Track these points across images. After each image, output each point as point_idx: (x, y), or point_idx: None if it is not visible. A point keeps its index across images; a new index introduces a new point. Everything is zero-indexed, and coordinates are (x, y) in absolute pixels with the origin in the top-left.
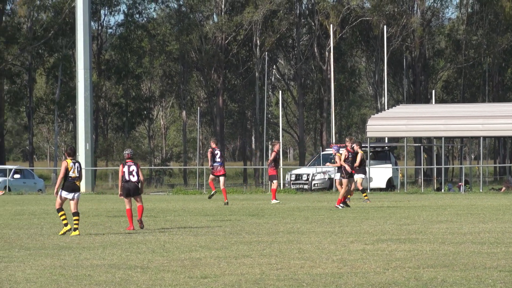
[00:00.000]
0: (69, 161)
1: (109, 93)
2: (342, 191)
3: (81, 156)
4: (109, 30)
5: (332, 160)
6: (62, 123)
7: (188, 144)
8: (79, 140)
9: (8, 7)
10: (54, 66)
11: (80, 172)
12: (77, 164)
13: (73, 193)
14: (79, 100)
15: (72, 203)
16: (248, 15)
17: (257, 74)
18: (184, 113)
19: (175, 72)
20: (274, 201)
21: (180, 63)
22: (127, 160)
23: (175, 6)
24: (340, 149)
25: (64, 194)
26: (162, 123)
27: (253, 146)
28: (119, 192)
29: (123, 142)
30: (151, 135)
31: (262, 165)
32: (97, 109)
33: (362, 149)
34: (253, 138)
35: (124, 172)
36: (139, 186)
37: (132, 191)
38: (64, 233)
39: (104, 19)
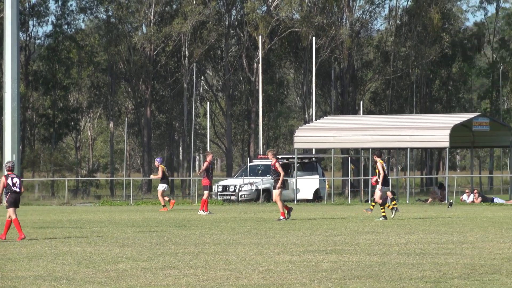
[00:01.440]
0: None
1: (36, 104)
2: (278, 204)
3: None
4: (37, 41)
5: (151, 174)
6: None
7: (115, 155)
8: (6, 151)
9: None
10: None
11: None
12: None
13: None
14: (6, 111)
15: None
16: (177, 26)
17: (185, 85)
18: (111, 124)
19: (103, 83)
20: (201, 212)
21: (108, 74)
22: (8, 172)
23: (104, 17)
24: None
25: None
26: (89, 134)
27: (181, 157)
28: (6, 203)
29: (50, 153)
30: (78, 146)
31: (189, 176)
32: (24, 120)
33: (290, 160)
34: (180, 149)
35: (8, 183)
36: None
37: (18, 202)
38: None
39: (32, 29)
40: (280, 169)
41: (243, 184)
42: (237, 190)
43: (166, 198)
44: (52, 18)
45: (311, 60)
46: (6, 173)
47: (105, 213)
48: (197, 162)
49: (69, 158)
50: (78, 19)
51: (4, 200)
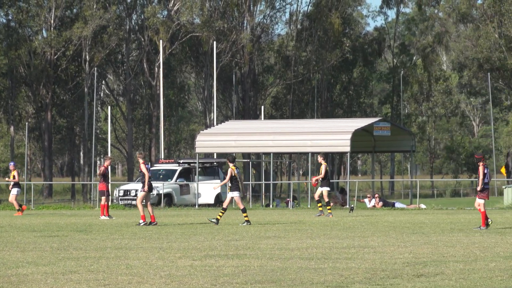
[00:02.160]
0: None
1: None
2: (140, 207)
3: None
4: None
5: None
6: None
7: (16, 159)
8: None
9: None
10: None
11: None
12: None
13: None
14: None
15: None
16: (77, 31)
17: (86, 90)
18: (12, 128)
19: (3, 87)
20: (102, 217)
21: (8, 78)
22: None
23: (4, 20)
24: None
25: None
26: None
27: (82, 161)
28: None
29: None
30: None
31: (91, 180)
32: None
33: (191, 164)
34: (81, 153)
35: None
36: None
37: None
38: None
39: None
40: (144, 171)
41: None
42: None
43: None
44: None
45: (212, 64)
46: None
47: (6, 217)
48: (98, 167)
49: None
50: None
51: None
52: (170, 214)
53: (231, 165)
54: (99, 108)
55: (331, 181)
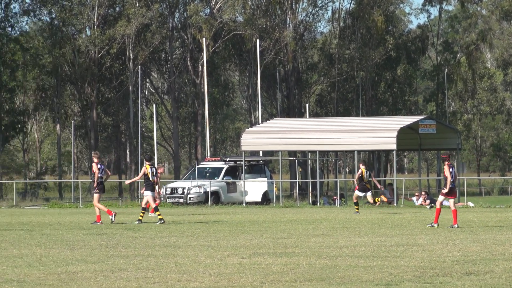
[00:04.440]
0: None
1: None
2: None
3: None
4: None
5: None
6: None
7: (63, 157)
8: None
9: None
10: None
11: None
12: None
13: None
14: None
15: None
16: (120, 29)
17: (130, 88)
18: (58, 126)
19: (48, 86)
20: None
21: (53, 77)
22: None
23: (48, 19)
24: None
25: None
26: (36, 136)
27: (128, 159)
28: None
29: None
30: (26, 148)
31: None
32: None
33: (237, 162)
34: (127, 151)
35: None
36: None
37: None
38: None
39: None
40: (95, 171)
41: (192, 186)
42: (185, 193)
43: None
44: None
45: (255, 62)
46: None
47: (54, 215)
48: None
49: (17, 161)
50: (21, 21)
51: None
52: (217, 212)
53: (146, 163)
54: (144, 106)
55: (379, 179)
